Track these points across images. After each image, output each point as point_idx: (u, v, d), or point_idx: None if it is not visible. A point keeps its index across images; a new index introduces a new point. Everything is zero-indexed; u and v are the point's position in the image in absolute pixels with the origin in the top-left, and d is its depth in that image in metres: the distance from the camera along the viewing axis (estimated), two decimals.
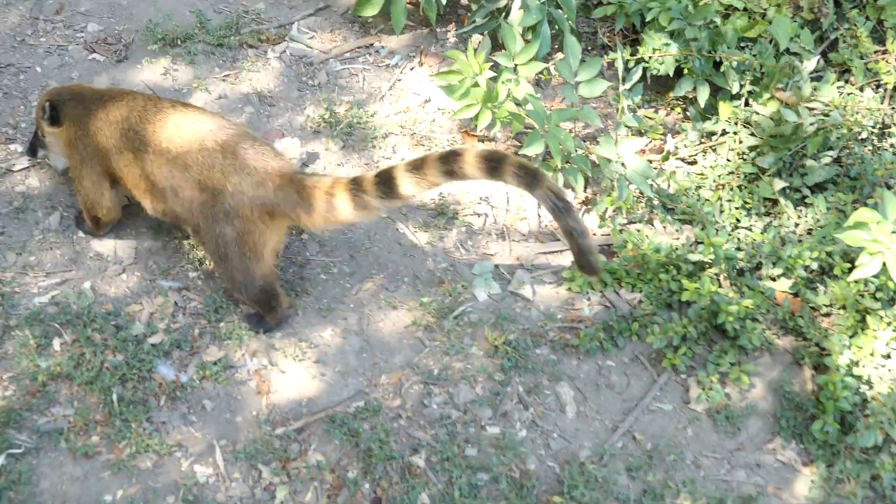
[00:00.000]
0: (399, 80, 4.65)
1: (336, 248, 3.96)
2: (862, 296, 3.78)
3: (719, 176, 4.28)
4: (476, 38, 4.75)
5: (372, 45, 4.80)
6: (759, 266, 4.04)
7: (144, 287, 3.72)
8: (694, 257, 3.90)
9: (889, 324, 3.73)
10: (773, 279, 3.98)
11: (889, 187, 4.18)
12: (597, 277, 3.74)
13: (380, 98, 4.56)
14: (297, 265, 3.88)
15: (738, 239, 4.08)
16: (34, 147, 3.85)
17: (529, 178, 3.19)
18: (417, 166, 3.22)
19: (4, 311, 3.55)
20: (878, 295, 3.78)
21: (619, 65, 4.34)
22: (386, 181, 3.26)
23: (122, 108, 3.50)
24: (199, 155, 3.36)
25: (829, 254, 3.95)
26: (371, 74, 4.66)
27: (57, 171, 3.94)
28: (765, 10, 4.55)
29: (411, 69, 4.71)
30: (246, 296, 3.52)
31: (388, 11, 4.72)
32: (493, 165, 3.20)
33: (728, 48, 4.43)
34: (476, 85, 4.07)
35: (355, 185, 3.31)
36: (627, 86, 4.30)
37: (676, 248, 3.95)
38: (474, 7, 4.76)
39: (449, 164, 3.20)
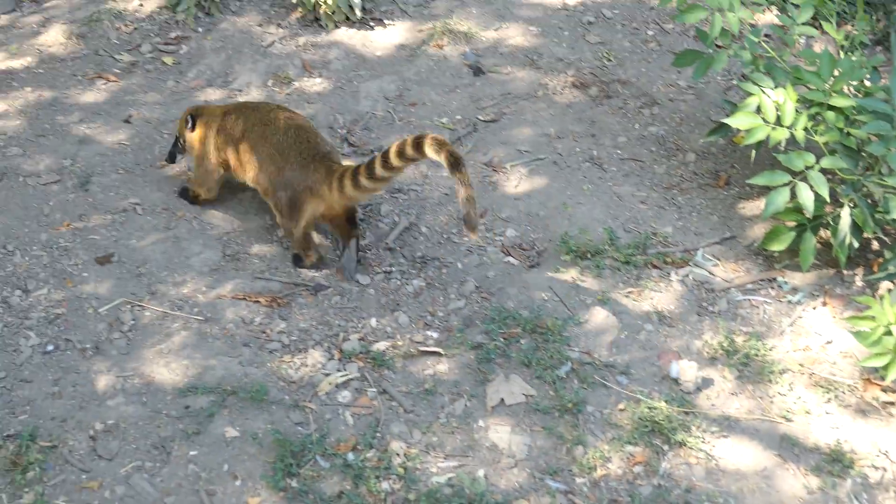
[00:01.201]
0: (800, 318, 4.72)
1: (724, 476, 4.02)
2: None
3: None
4: (885, 284, 4.75)
5: (775, 279, 4.92)
6: None
7: (533, 484, 3.96)
8: None
9: None
10: None
11: None
12: (474, 234, 4.47)
13: (779, 333, 4.64)
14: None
15: None
16: (173, 155, 5.26)
17: (437, 145, 4.29)
18: (385, 155, 4.44)
19: (406, 484, 3.90)
20: None
21: None
22: (369, 166, 4.52)
23: (235, 117, 4.96)
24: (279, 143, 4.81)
25: None
26: (771, 308, 4.77)
27: (178, 160, 5.31)
28: None
29: (814, 308, 4.77)
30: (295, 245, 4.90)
31: (797, 247, 4.85)
32: (418, 142, 4.32)
33: None
34: (889, 334, 4.07)
35: (356, 170, 4.57)
36: None
37: None
38: (888, 255, 4.77)
39: (401, 148, 4.37)
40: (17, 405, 4.10)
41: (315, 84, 5.99)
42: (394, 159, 4.42)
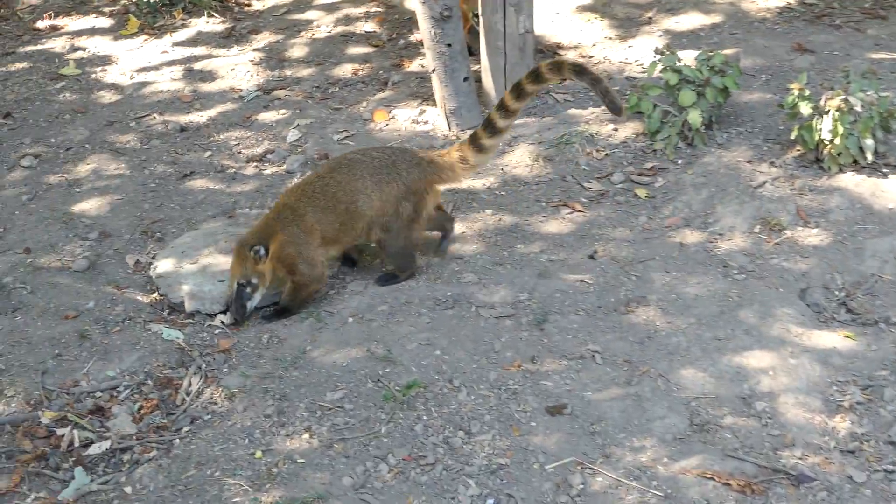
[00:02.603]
0: None
1: None
2: None
3: None
4: None
5: None
6: None
7: None
8: None
9: None
10: None
11: None
12: (622, 114, 5.18)
13: None
14: None
15: None
16: (243, 308, 5.17)
17: (555, 66, 5.10)
18: (501, 105, 5.19)
19: None
20: None
21: None
22: (487, 123, 5.25)
23: (310, 201, 5.27)
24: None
25: None
26: None
27: (250, 311, 5.22)
28: None
29: None
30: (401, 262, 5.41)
31: None
32: (536, 73, 5.10)
33: None
34: None
35: (473, 137, 5.32)
36: None
37: None
38: None
39: (516, 91, 5.16)
40: None
41: (811, 235, 5.48)
42: (512, 104, 5.15)
